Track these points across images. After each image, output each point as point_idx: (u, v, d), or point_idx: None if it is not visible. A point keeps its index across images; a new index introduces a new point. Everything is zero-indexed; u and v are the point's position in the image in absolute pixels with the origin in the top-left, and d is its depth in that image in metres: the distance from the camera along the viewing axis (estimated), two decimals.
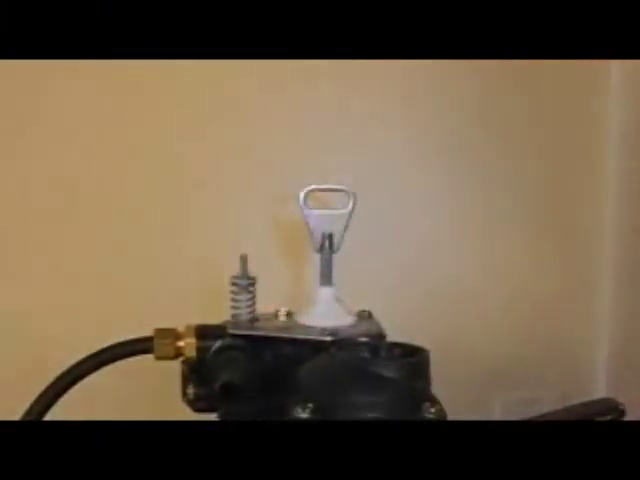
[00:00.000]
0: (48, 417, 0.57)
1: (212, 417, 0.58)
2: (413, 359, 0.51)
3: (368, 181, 0.92)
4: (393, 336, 0.58)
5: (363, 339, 0.56)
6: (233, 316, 0.61)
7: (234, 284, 0.61)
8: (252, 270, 0.61)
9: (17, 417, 0.57)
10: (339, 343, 0.55)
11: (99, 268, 0.85)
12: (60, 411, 0.57)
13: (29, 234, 0.83)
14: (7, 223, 0.83)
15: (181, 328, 0.59)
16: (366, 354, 0.53)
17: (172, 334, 0.59)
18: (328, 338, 0.56)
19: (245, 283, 0.60)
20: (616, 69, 0.97)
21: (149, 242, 0.86)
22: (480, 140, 0.96)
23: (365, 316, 0.63)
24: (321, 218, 0.61)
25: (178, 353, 0.58)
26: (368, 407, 0.48)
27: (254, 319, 0.61)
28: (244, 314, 0.60)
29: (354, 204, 0.61)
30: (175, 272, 0.86)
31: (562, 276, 1.00)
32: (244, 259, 0.61)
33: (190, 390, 0.58)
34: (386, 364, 0.50)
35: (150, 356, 0.59)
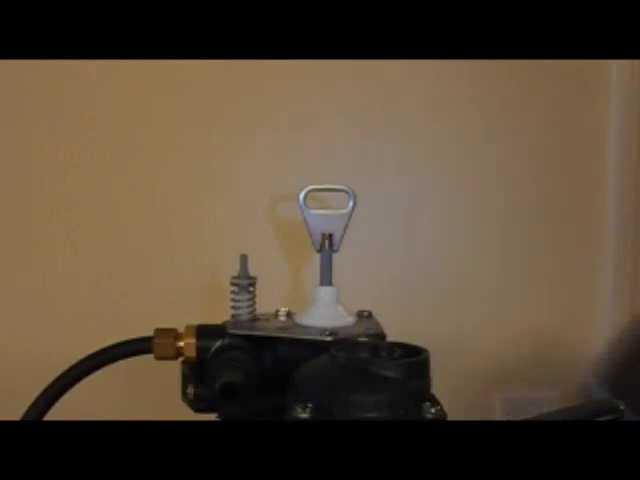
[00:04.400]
0: (48, 417, 0.57)
1: (212, 417, 0.58)
2: (413, 359, 0.51)
3: (368, 181, 0.92)
4: (393, 336, 0.58)
5: (363, 339, 0.56)
6: (233, 316, 0.60)
7: (234, 284, 0.61)
8: (252, 270, 0.61)
9: (17, 417, 0.57)
10: (339, 343, 0.55)
11: (99, 268, 0.85)
12: (60, 411, 0.57)
13: (29, 234, 0.83)
14: (8, 223, 0.83)
15: (181, 328, 0.59)
16: (366, 354, 0.53)
17: (172, 334, 0.59)
18: (328, 338, 0.56)
19: (245, 283, 0.60)
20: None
21: (149, 242, 0.86)
22: (484, 140, 0.96)
23: (365, 316, 0.63)
24: (321, 218, 0.61)
25: (178, 353, 0.58)
26: (368, 407, 0.48)
27: (254, 319, 0.61)
28: (244, 314, 0.60)
29: (354, 204, 0.61)
30: (175, 272, 0.86)
31: (563, 276, 1.00)
32: (244, 259, 0.61)
33: (190, 390, 0.58)
34: (386, 364, 0.50)
35: (150, 356, 0.59)
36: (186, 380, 0.58)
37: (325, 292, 0.61)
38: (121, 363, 0.59)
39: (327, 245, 0.61)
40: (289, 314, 0.62)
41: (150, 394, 0.81)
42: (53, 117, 0.83)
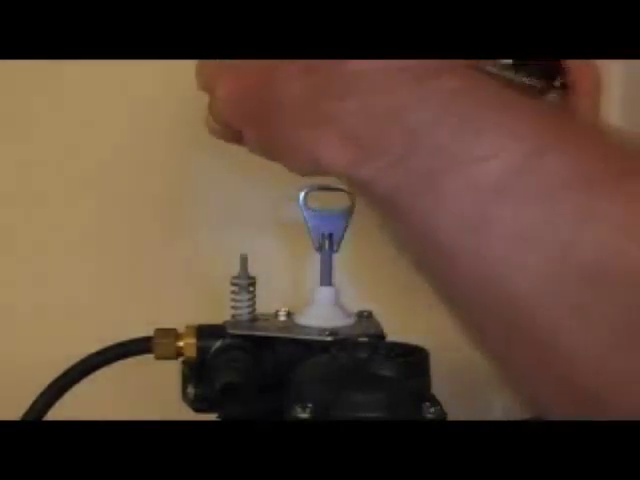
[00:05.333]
0: (48, 417, 0.57)
1: (212, 417, 0.58)
2: (413, 359, 0.51)
3: None
4: (393, 336, 0.58)
5: (363, 339, 0.56)
6: (233, 316, 0.61)
7: (234, 284, 0.61)
8: (252, 270, 0.61)
9: (17, 417, 0.57)
10: (339, 343, 0.55)
11: (98, 268, 0.85)
12: (60, 411, 0.57)
13: (28, 233, 0.83)
14: (8, 222, 0.83)
15: (181, 328, 0.59)
16: (366, 354, 0.53)
17: (172, 334, 0.59)
18: (328, 338, 0.56)
19: (245, 283, 0.60)
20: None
21: (148, 242, 0.86)
22: None
23: (365, 316, 0.63)
24: (321, 218, 0.61)
25: (178, 353, 0.58)
26: (368, 407, 0.48)
27: (254, 319, 0.61)
28: (244, 314, 0.60)
29: (354, 204, 0.61)
30: (175, 272, 0.86)
31: None
32: (244, 259, 0.61)
33: (190, 390, 0.58)
34: (386, 364, 0.50)
35: (150, 356, 0.59)
36: (186, 380, 0.59)
37: (325, 292, 0.61)
38: (121, 363, 0.59)
39: (327, 245, 0.62)
40: (289, 314, 0.62)
41: (150, 394, 0.81)
42: (53, 112, 0.83)
